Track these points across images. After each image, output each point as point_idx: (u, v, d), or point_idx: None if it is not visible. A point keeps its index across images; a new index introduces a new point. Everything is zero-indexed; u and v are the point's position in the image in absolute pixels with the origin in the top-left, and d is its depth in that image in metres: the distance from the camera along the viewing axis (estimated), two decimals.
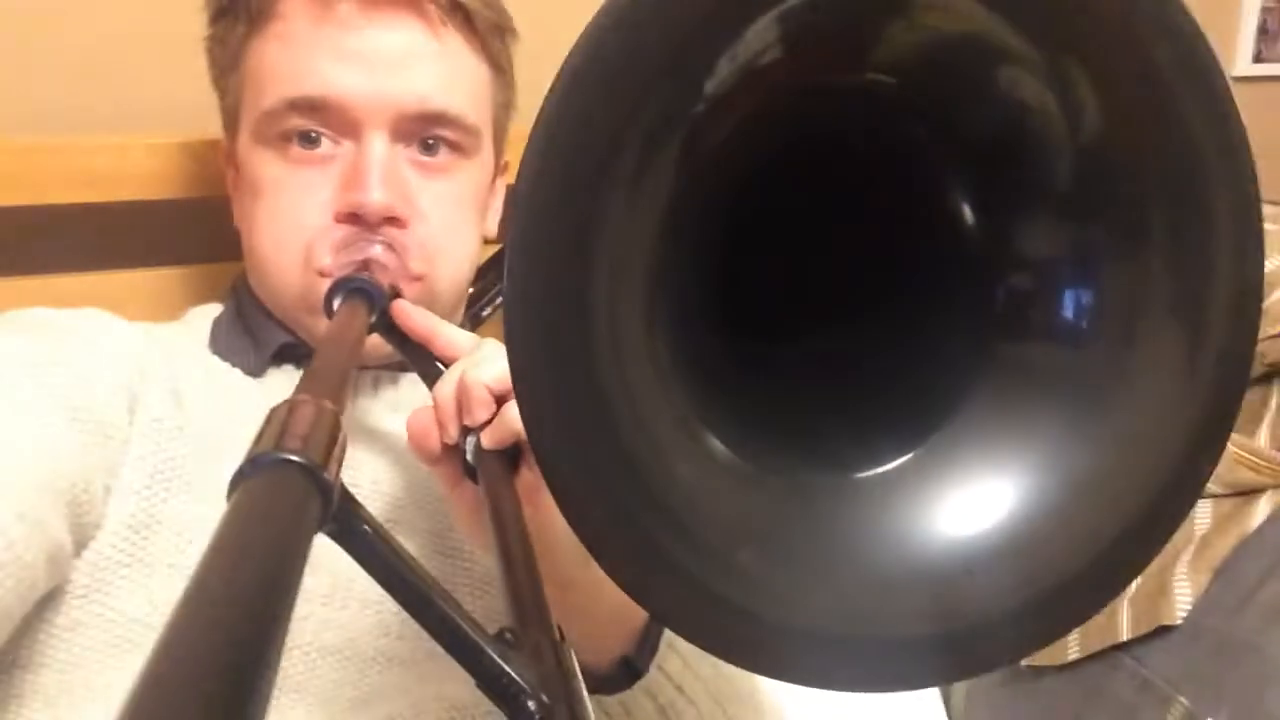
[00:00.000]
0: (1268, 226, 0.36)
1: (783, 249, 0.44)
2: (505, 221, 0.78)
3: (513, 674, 0.29)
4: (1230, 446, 0.79)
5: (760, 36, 0.32)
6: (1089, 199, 0.36)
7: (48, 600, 0.55)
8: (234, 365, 0.68)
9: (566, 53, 0.30)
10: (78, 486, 0.54)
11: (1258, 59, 1.51)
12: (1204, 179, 0.36)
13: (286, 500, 0.21)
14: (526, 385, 0.32)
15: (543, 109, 0.30)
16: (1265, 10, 1.49)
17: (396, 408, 0.70)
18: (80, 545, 0.56)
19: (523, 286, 0.30)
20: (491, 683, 0.29)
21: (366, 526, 0.27)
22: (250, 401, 0.65)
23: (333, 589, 0.61)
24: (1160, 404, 0.37)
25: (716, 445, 0.38)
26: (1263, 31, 1.50)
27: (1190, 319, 0.37)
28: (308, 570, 0.21)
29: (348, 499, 0.27)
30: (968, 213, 0.39)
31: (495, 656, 0.29)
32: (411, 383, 0.72)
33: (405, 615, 0.30)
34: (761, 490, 0.38)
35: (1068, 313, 0.37)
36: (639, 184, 0.32)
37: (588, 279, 0.32)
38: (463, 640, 0.29)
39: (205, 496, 0.60)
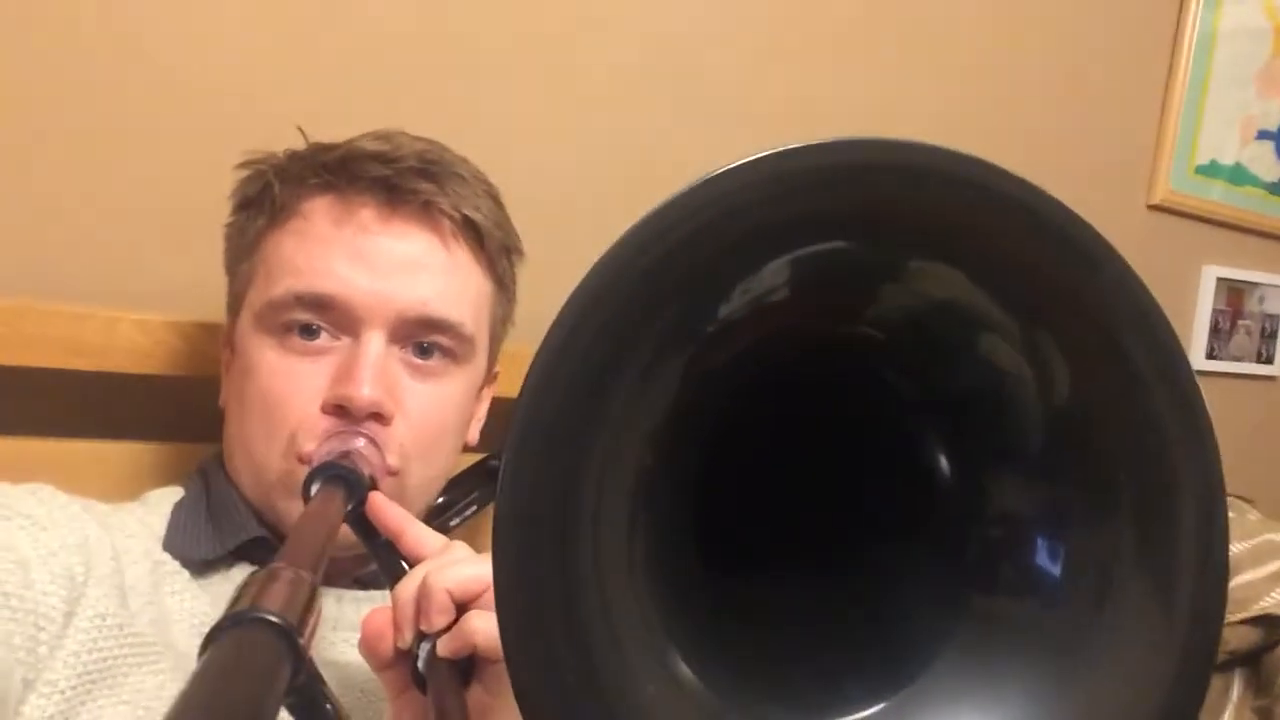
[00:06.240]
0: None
1: (764, 485, 0.45)
2: (487, 429, 0.78)
3: None
4: None
5: (773, 276, 0.35)
6: (1060, 461, 0.38)
7: None
8: (184, 564, 0.65)
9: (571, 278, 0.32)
10: None
11: (1210, 356, 1.61)
12: (1169, 454, 0.37)
13: (260, 659, 0.21)
14: (504, 588, 0.32)
15: (563, 311, 0.31)
16: (1217, 311, 1.61)
17: (337, 626, 0.68)
18: None
19: (515, 486, 0.31)
20: None
21: (330, 706, 0.26)
22: (189, 609, 0.63)
23: None
24: (1130, 669, 0.37)
25: (684, 671, 0.37)
26: (1215, 330, 1.61)
27: (1159, 590, 0.37)
28: None
29: (315, 673, 0.26)
30: (944, 465, 0.40)
31: None
32: (354, 603, 0.69)
33: None
34: None
35: (1038, 568, 0.38)
36: (641, 391, 0.33)
37: (578, 485, 0.32)
38: None
39: (128, 699, 0.56)
